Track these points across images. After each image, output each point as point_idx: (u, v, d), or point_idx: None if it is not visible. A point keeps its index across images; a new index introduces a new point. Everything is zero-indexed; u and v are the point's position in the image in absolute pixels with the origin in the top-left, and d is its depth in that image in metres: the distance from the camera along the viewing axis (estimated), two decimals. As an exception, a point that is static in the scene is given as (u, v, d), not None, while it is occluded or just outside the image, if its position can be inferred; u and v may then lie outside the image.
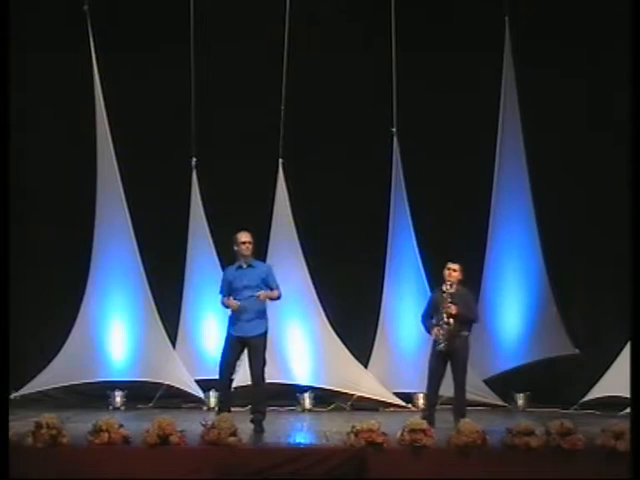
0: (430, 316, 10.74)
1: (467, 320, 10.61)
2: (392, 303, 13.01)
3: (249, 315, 10.26)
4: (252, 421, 10.16)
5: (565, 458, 8.44)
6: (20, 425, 8.90)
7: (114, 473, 8.38)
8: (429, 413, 10.40)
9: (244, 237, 10.40)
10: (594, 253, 12.99)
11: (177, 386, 12.80)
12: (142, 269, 12.89)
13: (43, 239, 13.32)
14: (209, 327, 12.90)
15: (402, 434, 8.58)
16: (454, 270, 10.70)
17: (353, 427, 8.59)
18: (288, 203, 13.00)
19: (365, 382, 12.86)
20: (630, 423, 8.27)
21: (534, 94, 13.11)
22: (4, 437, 8.15)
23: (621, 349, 11.85)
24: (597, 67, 13.04)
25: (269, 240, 12.79)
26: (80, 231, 13.09)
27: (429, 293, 12.57)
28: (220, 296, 10.52)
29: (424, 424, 8.66)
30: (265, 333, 10.35)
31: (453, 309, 10.49)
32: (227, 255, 11.17)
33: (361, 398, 12.88)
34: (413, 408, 12.64)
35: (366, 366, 12.98)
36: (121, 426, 8.61)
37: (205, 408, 12.62)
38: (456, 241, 12.72)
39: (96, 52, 13.00)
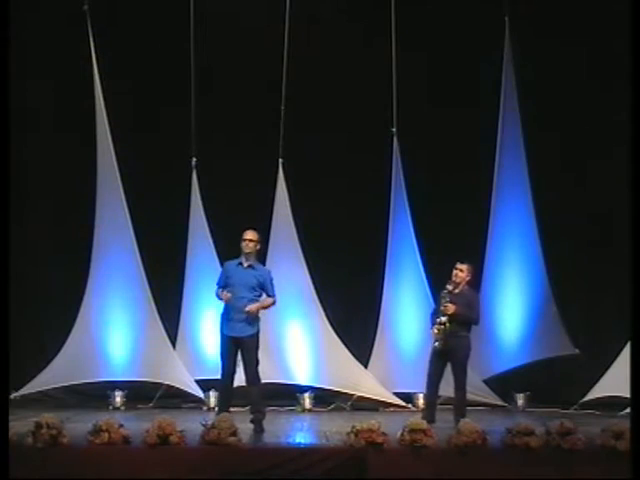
0: (438, 313, 10.75)
1: (466, 321, 10.59)
2: (392, 303, 13.00)
3: (241, 315, 10.25)
4: (252, 421, 10.17)
5: (565, 458, 8.44)
6: (20, 425, 8.89)
7: (114, 473, 8.38)
8: (429, 413, 10.41)
9: (248, 234, 10.41)
10: (594, 253, 12.99)
11: (177, 386, 12.79)
12: (142, 269, 12.89)
13: (43, 239, 13.33)
14: (209, 327, 12.87)
15: (402, 434, 8.58)
16: (461, 270, 10.70)
17: (353, 427, 8.59)
18: (288, 203, 13.00)
19: (365, 382, 12.86)
20: (630, 423, 8.28)
21: (534, 93, 13.11)
22: (4, 437, 8.15)
23: (621, 349, 11.85)
24: (597, 67, 13.04)
25: (269, 240, 12.78)
26: (80, 231, 13.08)
27: (429, 293, 12.62)
28: (216, 287, 10.52)
29: (424, 424, 8.66)
30: (257, 333, 10.34)
31: (450, 309, 10.49)
32: (227, 255, 11.16)
33: (361, 398, 12.88)
34: (413, 408, 12.64)
35: (366, 366, 12.97)
36: (121, 426, 8.61)
37: (205, 408, 12.62)
38: (456, 241, 12.73)
39: (96, 52, 13.00)
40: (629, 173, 9.79)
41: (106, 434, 8.50)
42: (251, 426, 10.10)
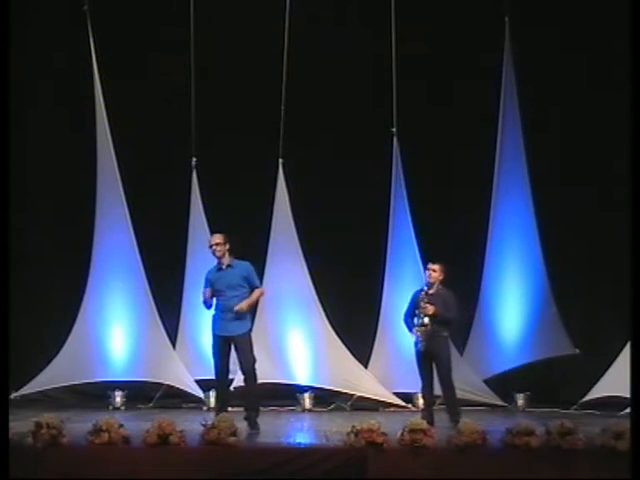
0: (412, 315, 10.76)
1: (446, 321, 10.61)
2: (392, 303, 12.99)
3: (231, 314, 10.27)
4: (246, 418, 10.11)
5: (565, 458, 8.44)
6: (20, 425, 8.90)
7: (114, 473, 8.38)
8: (427, 412, 10.41)
9: (213, 239, 10.52)
10: (594, 253, 12.99)
11: (177, 386, 12.80)
12: (142, 269, 12.89)
13: (43, 239, 13.33)
14: (209, 327, 12.87)
15: (402, 434, 8.57)
16: (434, 270, 10.71)
17: (353, 427, 8.59)
18: (288, 203, 13.00)
19: (365, 382, 12.86)
20: (630, 423, 8.28)
21: (534, 93, 13.11)
22: (4, 437, 8.15)
23: (621, 349, 11.85)
24: (597, 67, 13.04)
25: (269, 240, 12.79)
26: (80, 231, 13.09)
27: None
28: (202, 297, 10.54)
29: (424, 424, 8.65)
30: (249, 331, 10.38)
31: (429, 310, 10.50)
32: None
33: (361, 398, 12.88)
34: (413, 408, 12.63)
35: (366, 366, 12.98)
36: (121, 426, 8.61)
37: (205, 408, 12.62)
38: (456, 241, 12.74)
39: (96, 52, 13.00)
40: (629, 174, 9.79)
41: (106, 434, 8.50)
42: (251, 426, 10.12)
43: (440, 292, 10.67)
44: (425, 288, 10.69)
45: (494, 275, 13.20)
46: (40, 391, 12.95)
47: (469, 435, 8.50)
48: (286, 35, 12.80)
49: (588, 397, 12.33)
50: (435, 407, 10.80)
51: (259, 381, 10.36)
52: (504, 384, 13.06)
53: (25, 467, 8.33)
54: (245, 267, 10.49)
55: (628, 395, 8.97)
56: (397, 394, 12.86)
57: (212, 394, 12.56)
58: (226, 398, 10.48)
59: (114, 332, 13.03)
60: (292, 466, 8.45)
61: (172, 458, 8.46)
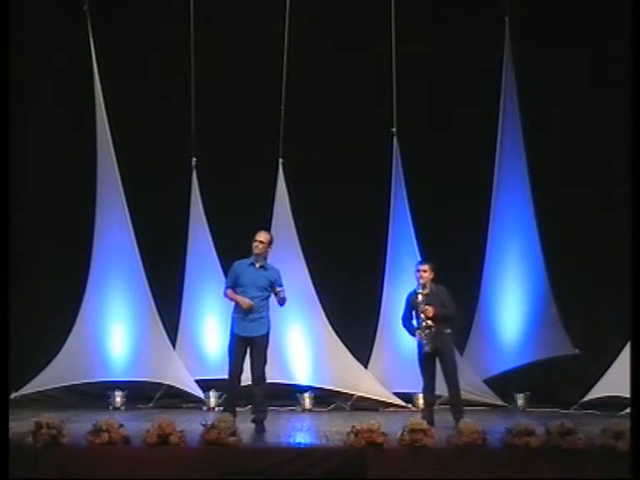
0: (409, 318, 10.78)
1: (446, 318, 10.61)
2: (392, 303, 12.98)
3: (254, 315, 10.27)
4: (253, 420, 10.16)
5: (565, 458, 8.44)
6: (20, 425, 8.90)
7: (114, 473, 8.38)
8: (427, 412, 10.41)
9: (259, 236, 10.43)
10: (594, 253, 12.99)
11: (177, 386, 12.79)
12: (142, 269, 12.89)
13: (43, 239, 13.33)
14: (209, 327, 12.90)
15: (402, 434, 8.57)
16: (424, 271, 10.74)
17: (353, 427, 8.59)
18: (288, 203, 13.00)
19: (365, 382, 12.86)
20: (630, 423, 8.28)
21: (534, 94, 13.11)
22: (4, 437, 8.15)
23: (621, 349, 11.85)
24: (597, 67, 13.04)
25: (269, 240, 12.78)
26: (80, 231, 13.08)
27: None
28: (224, 286, 10.53)
29: (424, 424, 8.65)
30: (268, 333, 10.37)
31: (430, 311, 10.51)
32: (228, 255, 11.17)
33: (361, 398, 12.88)
34: (413, 408, 12.63)
35: (366, 366, 12.98)
36: (121, 426, 8.61)
37: (205, 408, 12.63)
38: (456, 241, 12.74)
39: (96, 52, 13.00)
40: (629, 173, 9.79)
41: (106, 434, 8.50)
42: (252, 426, 10.11)
43: (434, 291, 10.69)
44: (419, 290, 10.70)
45: (494, 275, 13.19)
46: (40, 391, 12.94)
47: (469, 435, 8.51)
48: (286, 35, 12.81)
49: (588, 397, 12.33)
50: (435, 407, 10.81)
51: (261, 381, 10.39)
52: (504, 384, 13.06)
53: (25, 467, 8.33)
54: (276, 272, 10.48)
55: (628, 395, 8.96)
56: (397, 394, 12.86)
57: (212, 394, 12.58)
58: (235, 398, 10.46)
59: (114, 332, 13.02)
60: (292, 466, 8.46)
61: (172, 458, 8.46)
